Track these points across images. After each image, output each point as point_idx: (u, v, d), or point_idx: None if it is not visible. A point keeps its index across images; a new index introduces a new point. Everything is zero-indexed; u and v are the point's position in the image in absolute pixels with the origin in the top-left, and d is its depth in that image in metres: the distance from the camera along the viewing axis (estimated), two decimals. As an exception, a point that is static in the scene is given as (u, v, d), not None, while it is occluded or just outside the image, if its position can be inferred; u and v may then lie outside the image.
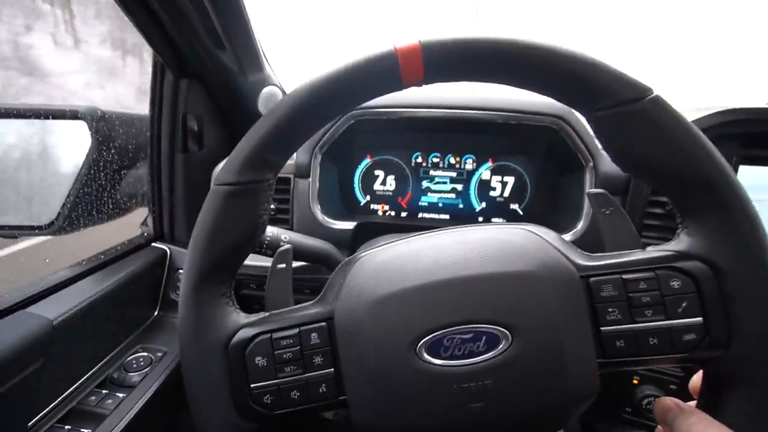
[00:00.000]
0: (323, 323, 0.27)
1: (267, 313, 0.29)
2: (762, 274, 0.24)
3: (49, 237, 0.60)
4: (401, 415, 0.25)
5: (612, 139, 0.26)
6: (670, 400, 0.27)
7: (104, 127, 0.58)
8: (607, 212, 0.29)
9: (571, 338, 0.25)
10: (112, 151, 0.59)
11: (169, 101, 0.61)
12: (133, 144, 0.62)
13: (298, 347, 0.27)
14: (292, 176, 0.62)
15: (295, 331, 0.27)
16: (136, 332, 0.59)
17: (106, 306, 0.52)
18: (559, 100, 0.27)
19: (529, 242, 0.27)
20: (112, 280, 0.55)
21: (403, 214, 0.70)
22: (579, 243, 0.57)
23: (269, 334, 0.27)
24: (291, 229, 0.61)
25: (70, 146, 0.59)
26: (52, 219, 0.58)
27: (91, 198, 0.58)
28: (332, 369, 0.27)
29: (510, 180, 0.68)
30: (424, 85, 0.27)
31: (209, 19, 0.48)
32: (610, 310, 0.26)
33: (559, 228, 0.60)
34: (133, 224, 0.69)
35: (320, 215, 0.60)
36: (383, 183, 0.70)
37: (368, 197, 0.71)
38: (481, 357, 0.25)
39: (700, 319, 0.25)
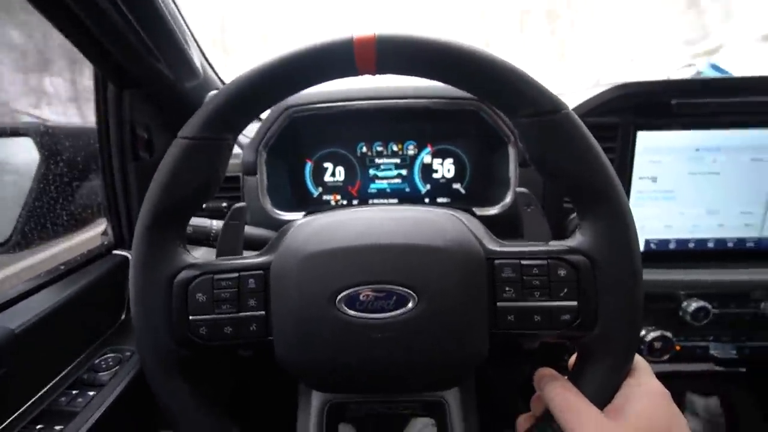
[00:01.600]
0: (260, 271, 0.31)
1: (215, 259, 0.33)
2: (627, 269, 0.29)
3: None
4: (317, 355, 0.30)
5: (529, 143, 0.30)
6: (546, 370, 0.33)
7: (50, 141, 0.60)
8: (528, 210, 0.34)
9: (469, 308, 0.30)
10: (61, 164, 0.60)
11: (115, 112, 0.63)
12: (83, 155, 0.63)
13: (236, 289, 0.31)
14: (240, 174, 0.65)
15: (235, 275, 0.31)
16: (104, 336, 0.61)
17: (71, 312, 0.54)
18: (489, 102, 0.31)
19: (448, 223, 0.32)
20: (74, 287, 0.57)
21: (355, 202, 0.75)
22: (506, 213, 0.63)
23: (212, 275, 0.31)
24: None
25: (16, 163, 0.60)
26: (7, 237, 0.59)
27: (44, 212, 0.60)
28: (263, 312, 0.31)
29: (449, 162, 0.73)
30: (377, 75, 0.29)
31: (136, 30, 0.51)
32: (506, 288, 0.30)
33: (493, 201, 0.66)
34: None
35: (270, 207, 0.64)
36: (332, 174, 0.74)
37: (321, 189, 0.75)
38: (390, 313, 0.29)
39: (575, 303, 0.30)
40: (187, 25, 0.61)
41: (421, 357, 0.30)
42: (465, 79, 0.30)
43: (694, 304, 0.58)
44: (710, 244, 0.63)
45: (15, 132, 0.60)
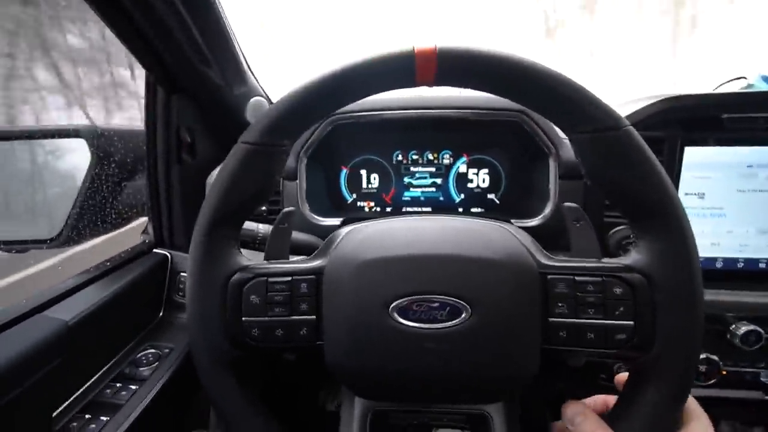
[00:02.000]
0: (313, 276, 0.31)
1: (267, 262, 0.33)
2: (686, 288, 0.28)
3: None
4: (367, 362, 0.30)
5: (587, 158, 0.30)
6: (578, 405, 0.31)
7: (103, 143, 0.62)
8: (578, 225, 0.33)
9: (522, 322, 0.29)
10: (112, 165, 0.63)
11: (163, 116, 0.66)
12: (131, 157, 0.66)
13: (289, 293, 0.31)
14: (281, 179, 0.66)
15: (288, 279, 0.31)
16: (144, 332, 0.63)
17: (115, 308, 0.57)
18: (547, 117, 0.31)
19: (500, 236, 0.32)
20: (118, 284, 0.59)
21: (388, 209, 0.75)
22: (546, 225, 0.62)
23: (266, 278, 0.31)
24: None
25: (72, 163, 0.63)
26: (58, 232, 0.62)
27: (94, 210, 0.62)
28: (314, 316, 0.31)
29: (485, 172, 0.73)
30: (434, 86, 0.30)
31: (194, 38, 0.53)
32: (559, 304, 0.30)
33: (530, 213, 0.65)
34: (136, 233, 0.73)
35: (308, 213, 0.65)
36: (368, 181, 0.75)
37: (355, 195, 0.75)
38: (443, 324, 0.29)
39: (631, 322, 0.29)
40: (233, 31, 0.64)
41: (472, 369, 0.29)
42: (522, 94, 0.30)
43: (743, 328, 0.55)
44: (762, 265, 0.60)
45: (71, 133, 0.63)
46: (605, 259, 0.31)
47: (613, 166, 0.29)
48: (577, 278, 0.30)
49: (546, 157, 0.62)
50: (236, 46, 0.59)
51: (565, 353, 0.30)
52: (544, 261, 0.31)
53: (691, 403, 0.30)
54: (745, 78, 0.68)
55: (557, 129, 0.62)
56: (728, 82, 0.70)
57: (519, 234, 0.33)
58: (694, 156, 0.57)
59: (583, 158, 0.30)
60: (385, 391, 0.32)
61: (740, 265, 0.60)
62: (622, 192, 0.29)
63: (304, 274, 0.32)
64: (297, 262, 0.33)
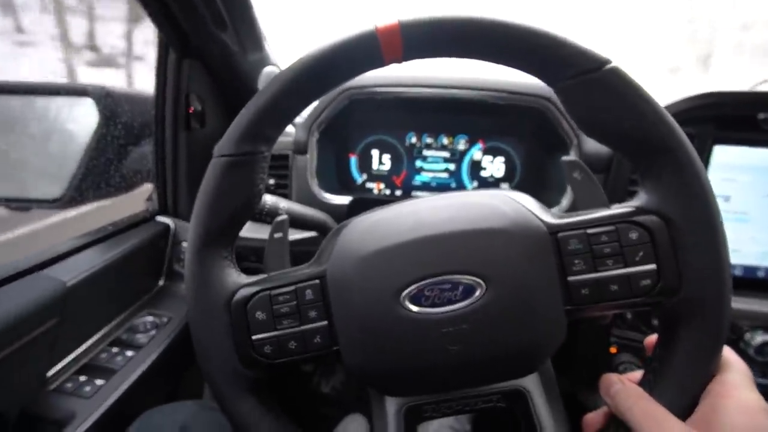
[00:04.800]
0: (317, 281, 0.30)
1: (266, 275, 0.32)
2: (706, 224, 0.26)
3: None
4: (388, 358, 0.28)
5: (576, 107, 0.28)
6: (614, 376, 0.30)
7: (110, 103, 0.61)
8: (578, 178, 0.31)
9: (540, 287, 0.28)
10: (119, 126, 0.61)
11: (173, 81, 0.64)
12: (138, 122, 0.64)
13: (295, 302, 0.29)
14: (290, 152, 0.64)
15: (292, 288, 0.30)
16: (143, 299, 0.62)
17: (114, 273, 0.56)
18: (527, 72, 0.29)
19: (502, 203, 0.30)
20: (119, 249, 0.58)
21: (398, 193, 0.73)
22: (562, 218, 0.60)
23: (268, 291, 0.30)
24: (289, 203, 0.64)
25: (79, 122, 0.62)
26: (63, 192, 0.61)
27: (99, 171, 0.61)
28: (326, 321, 0.29)
29: (500, 160, 0.71)
30: (404, 62, 0.29)
31: (212, -1, 0.50)
32: (576, 261, 0.28)
33: (547, 204, 0.62)
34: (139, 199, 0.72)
35: (317, 189, 0.63)
36: (379, 162, 0.73)
37: (365, 176, 0.73)
38: (458, 304, 0.27)
39: (654, 266, 0.27)
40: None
41: (497, 346, 0.28)
42: (497, 53, 0.28)
43: (759, 338, 0.53)
44: (784, 274, 0.58)
45: (79, 91, 0.61)
46: (614, 206, 0.29)
47: (605, 110, 0.27)
48: (589, 231, 0.28)
49: (566, 148, 0.60)
50: (254, 10, 0.57)
51: (591, 310, 0.29)
52: (552, 221, 0.29)
53: (727, 351, 0.28)
54: (781, 79, 0.65)
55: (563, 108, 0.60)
56: (763, 82, 0.67)
57: (520, 198, 0.31)
58: (722, 156, 0.55)
59: (572, 108, 0.29)
60: (412, 385, 0.31)
61: (761, 273, 0.58)
62: (620, 134, 0.27)
63: (308, 280, 0.30)
64: (298, 269, 0.31)
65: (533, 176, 0.69)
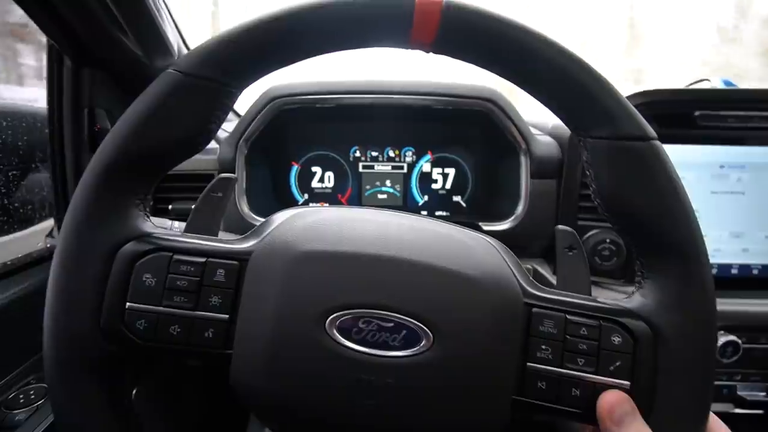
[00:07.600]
0: (235, 262, 0.24)
1: (182, 234, 0.25)
2: (701, 353, 0.23)
3: None
4: (288, 385, 0.23)
5: (601, 172, 0.24)
6: (621, 395, 0.24)
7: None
8: (570, 253, 0.27)
9: (494, 364, 0.23)
10: (-5, 149, 0.51)
11: (71, 94, 0.55)
12: (25, 141, 0.54)
13: (198, 278, 0.24)
14: (216, 172, 0.57)
15: (201, 260, 0.24)
16: (31, 360, 0.50)
17: None
18: (559, 115, 0.25)
19: (483, 250, 0.25)
20: (5, 294, 0.46)
21: None
22: (518, 227, 0.57)
23: (170, 254, 0.24)
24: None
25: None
26: None
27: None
28: (227, 315, 0.24)
29: (451, 172, 0.67)
30: (430, 53, 0.24)
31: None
32: (543, 347, 0.24)
33: (500, 215, 0.59)
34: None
35: (247, 211, 0.56)
36: (321, 180, 0.67)
37: (306, 195, 0.67)
38: (393, 352, 0.22)
39: (627, 383, 0.23)
40: None
41: (417, 419, 0.23)
42: (536, 79, 0.24)
43: (721, 339, 0.52)
44: (734, 270, 0.57)
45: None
46: (601, 298, 0.25)
47: (633, 187, 0.23)
48: (569, 317, 0.24)
49: (516, 154, 0.57)
50: (154, 6, 0.49)
51: (539, 412, 0.24)
52: (531, 289, 0.25)
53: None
54: (708, 80, 0.67)
55: (528, 123, 0.57)
56: (695, 83, 0.69)
57: (506, 254, 0.27)
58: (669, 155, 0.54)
59: (595, 170, 0.25)
60: (303, 430, 0.25)
61: (713, 271, 0.57)
62: (639, 220, 0.24)
63: (224, 258, 0.24)
64: (218, 241, 0.25)
65: (486, 186, 0.66)
